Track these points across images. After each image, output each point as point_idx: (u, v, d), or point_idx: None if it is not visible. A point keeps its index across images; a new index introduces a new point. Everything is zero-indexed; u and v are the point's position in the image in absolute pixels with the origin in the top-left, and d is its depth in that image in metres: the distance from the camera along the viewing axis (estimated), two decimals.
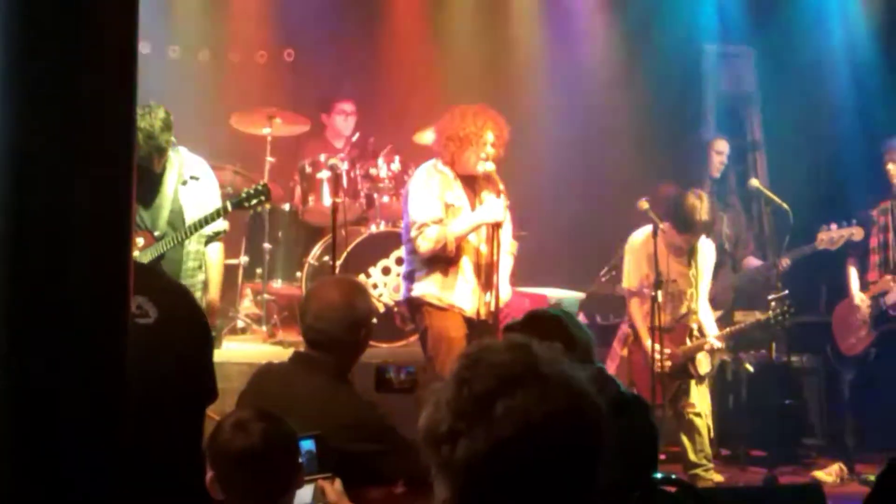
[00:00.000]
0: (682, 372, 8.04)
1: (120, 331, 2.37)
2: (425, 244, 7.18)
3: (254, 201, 7.11)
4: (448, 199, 7.24)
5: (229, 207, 7.00)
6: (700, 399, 8.08)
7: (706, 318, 8.18)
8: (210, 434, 3.69)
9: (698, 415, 8.04)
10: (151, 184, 6.98)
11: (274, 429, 3.60)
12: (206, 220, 6.95)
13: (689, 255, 8.11)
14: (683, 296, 8.14)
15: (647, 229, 8.04)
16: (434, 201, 7.22)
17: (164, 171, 7.01)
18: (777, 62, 11.11)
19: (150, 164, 6.84)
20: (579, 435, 1.99)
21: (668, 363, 7.94)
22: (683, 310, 8.12)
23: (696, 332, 8.10)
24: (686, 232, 7.95)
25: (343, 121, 10.43)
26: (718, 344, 8.19)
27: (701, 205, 7.86)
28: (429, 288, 7.27)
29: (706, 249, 8.21)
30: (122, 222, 2.40)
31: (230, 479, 3.59)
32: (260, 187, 7.14)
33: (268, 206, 8.59)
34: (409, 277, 7.41)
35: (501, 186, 7.25)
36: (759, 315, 8.38)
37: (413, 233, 7.23)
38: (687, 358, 8.03)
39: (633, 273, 8.18)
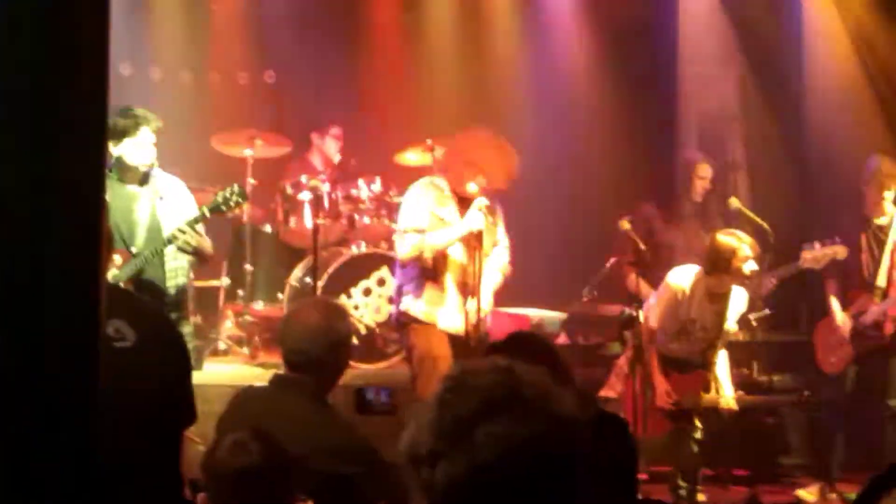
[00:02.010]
0: (683, 420, 7.85)
1: (91, 353, 2.35)
2: (402, 250, 7.28)
3: (231, 203, 7.10)
4: (439, 213, 7.28)
5: (207, 213, 6.98)
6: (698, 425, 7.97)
7: (722, 373, 7.92)
8: (205, 453, 3.71)
9: (696, 441, 7.95)
10: (128, 200, 6.98)
11: (272, 449, 3.63)
12: (184, 229, 6.94)
13: (724, 302, 7.82)
14: (705, 342, 7.87)
15: (694, 269, 7.84)
16: (421, 211, 7.27)
17: (141, 188, 7.03)
18: (759, 82, 11.14)
19: (151, 151, 6.93)
20: (559, 459, 1.99)
21: (672, 406, 7.81)
22: (698, 358, 7.90)
23: (713, 389, 7.86)
24: (720, 272, 7.65)
25: (335, 145, 10.42)
26: (734, 406, 7.82)
27: (739, 243, 7.61)
28: (415, 303, 7.29)
29: (737, 298, 7.90)
30: (92, 239, 2.38)
31: (226, 498, 3.58)
32: (235, 189, 7.12)
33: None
34: (399, 291, 7.45)
35: (486, 202, 7.21)
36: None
37: (395, 237, 7.32)
38: (694, 410, 7.82)
39: (663, 312, 7.85)
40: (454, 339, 7.29)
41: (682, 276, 7.84)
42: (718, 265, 7.65)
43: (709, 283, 7.75)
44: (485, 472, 1.94)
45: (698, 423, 7.87)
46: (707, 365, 7.89)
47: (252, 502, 3.58)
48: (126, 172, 7.03)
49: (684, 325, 7.75)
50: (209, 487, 3.62)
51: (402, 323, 7.42)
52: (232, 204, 7.11)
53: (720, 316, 7.83)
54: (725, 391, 7.86)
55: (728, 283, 7.76)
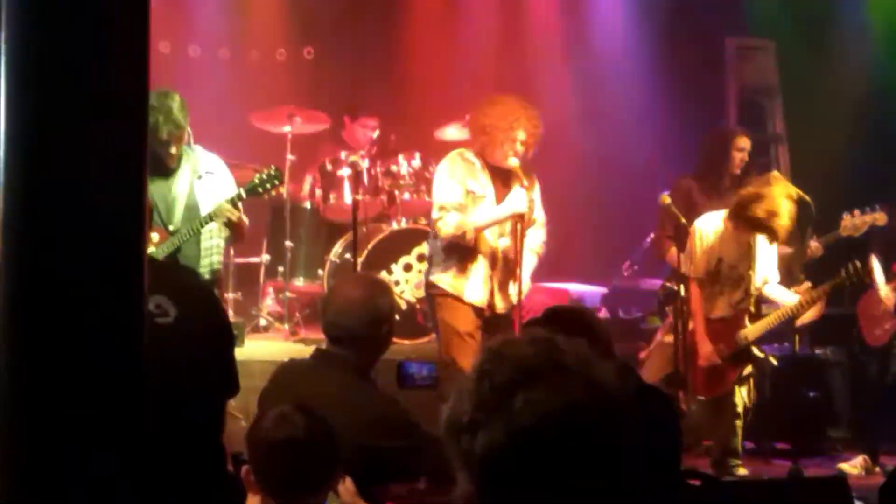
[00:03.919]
0: (744, 357, 7.87)
1: (136, 330, 2.36)
2: (445, 228, 7.23)
3: (268, 185, 7.13)
4: (470, 186, 7.27)
5: (244, 195, 7.01)
6: (740, 398, 7.96)
7: (777, 291, 7.91)
8: (250, 426, 3.75)
9: (737, 415, 7.95)
10: (166, 179, 7.01)
11: (316, 422, 3.65)
12: (226, 208, 6.98)
13: (748, 238, 7.78)
14: (742, 281, 7.85)
15: (718, 215, 7.85)
16: (455, 186, 7.26)
17: (179, 167, 7.05)
18: (798, 54, 11.08)
19: (167, 148, 6.87)
20: (599, 428, 1.98)
21: (725, 353, 7.81)
22: (739, 295, 7.88)
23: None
24: (742, 221, 7.62)
25: (363, 133, 10.39)
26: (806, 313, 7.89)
27: (765, 195, 7.53)
28: (443, 275, 7.31)
29: (761, 244, 7.85)
30: (135, 217, 2.39)
31: (269, 470, 3.61)
32: (272, 171, 7.15)
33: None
34: (429, 262, 7.49)
35: (526, 182, 7.26)
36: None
37: (434, 214, 7.30)
38: (754, 339, 7.85)
39: (698, 258, 7.83)
40: (481, 314, 7.31)
41: (705, 220, 7.86)
42: (741, 214, 7.60)
43: (728, 227, 7.74)
44: (523, 438, 1.94)
45: (760, 353, 7.87)
46: (747, 299, 7.84)
47: (296, 474, 3.60)
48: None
49: (713, 266, 7.74)
50: (253, 460, 3.64)
51: (429, 294, 7.46)
52: (269, 186, 7.13)
53: (747, 252, 7.80)
54: (788, 299, 7.84)
55: (750, 235, 7.72)
